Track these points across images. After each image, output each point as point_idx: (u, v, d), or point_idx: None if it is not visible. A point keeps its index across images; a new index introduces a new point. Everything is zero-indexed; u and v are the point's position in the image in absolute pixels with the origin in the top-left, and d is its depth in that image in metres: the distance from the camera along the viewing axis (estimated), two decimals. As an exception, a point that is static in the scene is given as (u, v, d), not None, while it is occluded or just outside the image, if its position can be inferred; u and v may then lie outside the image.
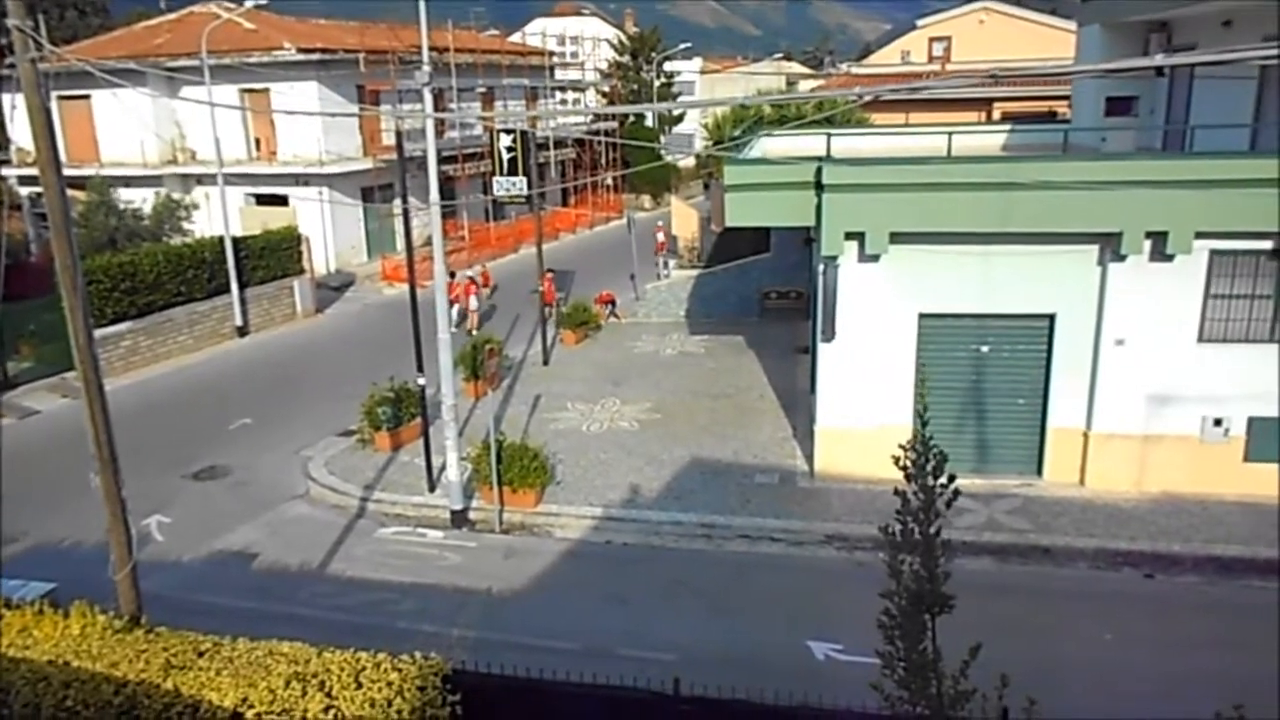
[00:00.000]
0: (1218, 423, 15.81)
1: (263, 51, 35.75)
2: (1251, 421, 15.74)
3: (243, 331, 29.46)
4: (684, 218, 36.09)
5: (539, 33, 61.29)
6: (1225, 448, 15.87)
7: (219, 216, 29.74)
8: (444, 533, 16.13)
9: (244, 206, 37.34)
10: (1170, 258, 15.10)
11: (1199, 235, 14.85)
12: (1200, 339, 15.65)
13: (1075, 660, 11.83)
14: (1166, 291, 15.43)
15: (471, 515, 16.48)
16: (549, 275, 28.13)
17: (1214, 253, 15.19)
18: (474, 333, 28.29)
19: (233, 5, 37.37)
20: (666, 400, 21.70)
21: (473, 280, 30.78)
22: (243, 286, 29.30)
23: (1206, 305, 15.51)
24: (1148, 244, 15.05)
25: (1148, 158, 16.88)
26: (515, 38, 61.53)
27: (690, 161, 62.00)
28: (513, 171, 25.10)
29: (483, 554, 15.37)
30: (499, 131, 25.42)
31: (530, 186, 26.68)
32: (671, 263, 33.11)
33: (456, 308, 28.86)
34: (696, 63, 77.08)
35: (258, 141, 38.70)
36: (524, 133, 25.90)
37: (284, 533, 16.30)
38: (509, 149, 25.22)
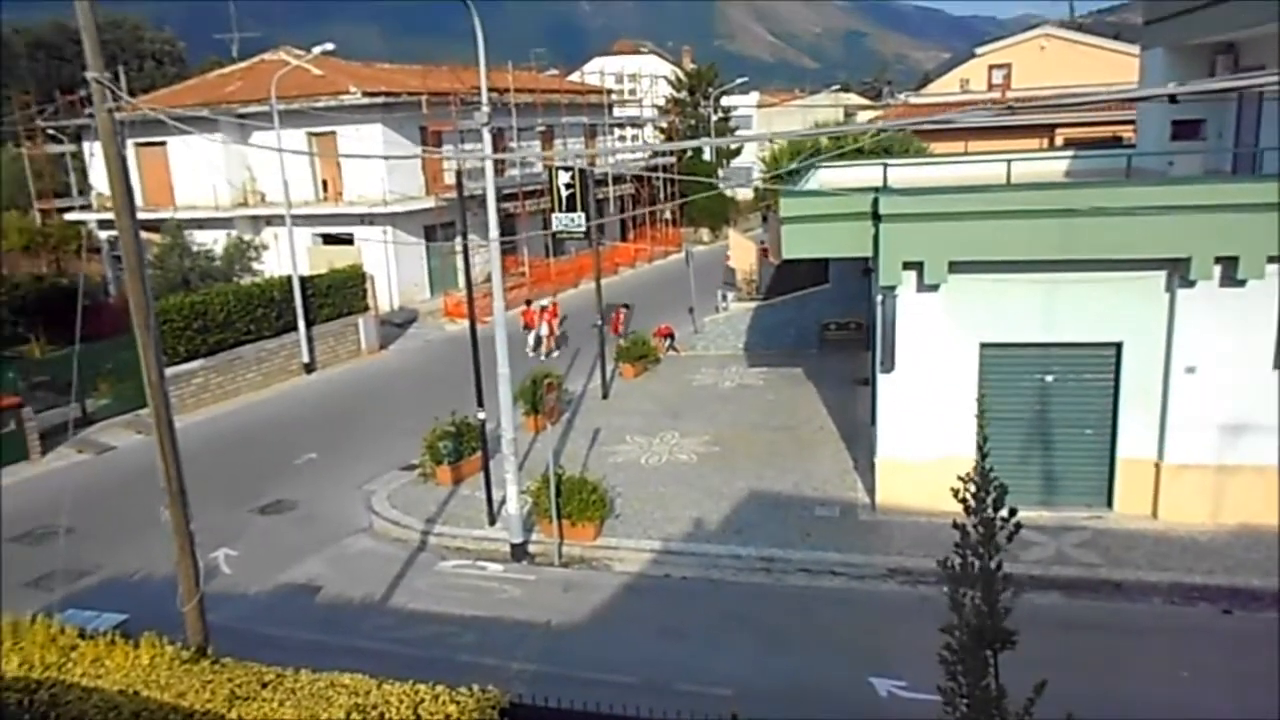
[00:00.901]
0: (1297, 452, 15.27)
1: (329, 96, 36.81)
2: (1333, 451, 15.18)
3: (309, 368, 30.10)
4: (742, 250, 36.17)
5: (598, 71, 62.12)
6: (1305, 478, 15.31)
7: (287, 256, 30.54)
8: (504, 566, 16.21)
9: (311, 246, 38.30)
10: (1242, 283, 14.70)
11: (1271, 259, 14.44)
12: (1276, 365, 15.17)
13: (1148, 699, 11.44)
14: (1238, 317, 15.00)
15: (531, 549, 16.55)
16: (622, 310, 28.97)
17: (1287, 277, 14.75)
18: (548, 355, 29.98)
19: (301, 52, 38.58)
20: (725, 433, 21.63)
21: (545, 308, 31.85)
22: (309, 324, 29.98)
23: (1281, 331, 15.05)
24: (1218, 269, 14.68)
25: (1216, 181, 16.49)
26: (574, 77, 62.43)
27: (749, 194, 62.14)
28: (571, 208, 25.36)
29: (542, 587, 15.41)
30: (558, 169, 25.74)
31: (589, 222, 26.98)
32: (730, 295, 33.13)
33: (533, 333, 31.00)
34: (754, 97, 77.44)
35: (325, 183, 39.75)
36: (582, 170, 26.21)
37: (347, 566, 16.53)
38: (567, 186, 25.51)
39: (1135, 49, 28.78)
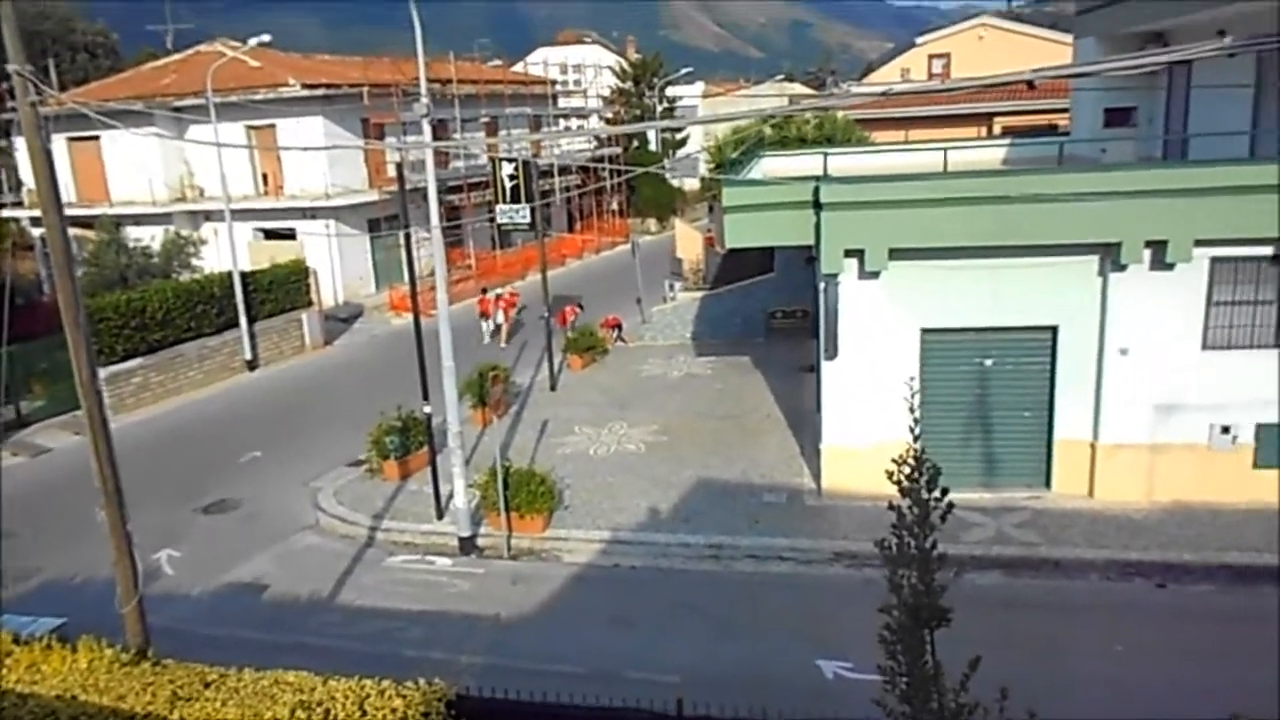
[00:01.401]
0: (1225, 430, 15.74)
1: (268, 89, 36.17)
2: (1259, 428, 15.67)
3: (252, 365, 29.65)
4: (688, 240, 36.30)
5: (541, 62, 61.91)
6: (1234, 455, 15.79)
7: (227, 252, 30.01)
8: (452, 560, 16.16)
9: (252, 241, 37.68)
10: (1171, 266, 15.10)
11: (1199, 243, 14.84)
12: (1204, 346, 15.61)
13: (1085, 673, 11.75)
14: (1168, 300, 15.42)
15: (480, 542, 16.51)
16: (575, 308, 29.45)
17: (1215, 260, 15.18)
18: (507, 343, 30.33)
19: (238, 44, 37.89)
20: (673, 422, 21.72)
21: (500, 295, 32.29)
22: (252, 321, 29.52)
23: (1209, 312, 15.48)
24: (1148, 253, 15.06)
25: (1145, 167, 16.91)
26: (519, 67, 62.12)
27: (695, 184, 62.32)
28: (516, 199, 25.24)
29: (491, 580, 15.39)
30: (501, 160, 25.60)
31: (534, 214, 26.87)
32: (677, 285, 33.24)
33: (489, 321, 31.51)
34: (699, 87, 77.53)
35: (265, 177, 39.09)
36: (527, 161, 26.10)
37: (294, 563, 16.36)
38: (511, 177, 25.37)
39: (1069, 38, 29.33)
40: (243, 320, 29.11)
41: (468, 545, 16.33)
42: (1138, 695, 11.18)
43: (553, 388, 25.17)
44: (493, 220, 28.60)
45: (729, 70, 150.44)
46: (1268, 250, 15.02)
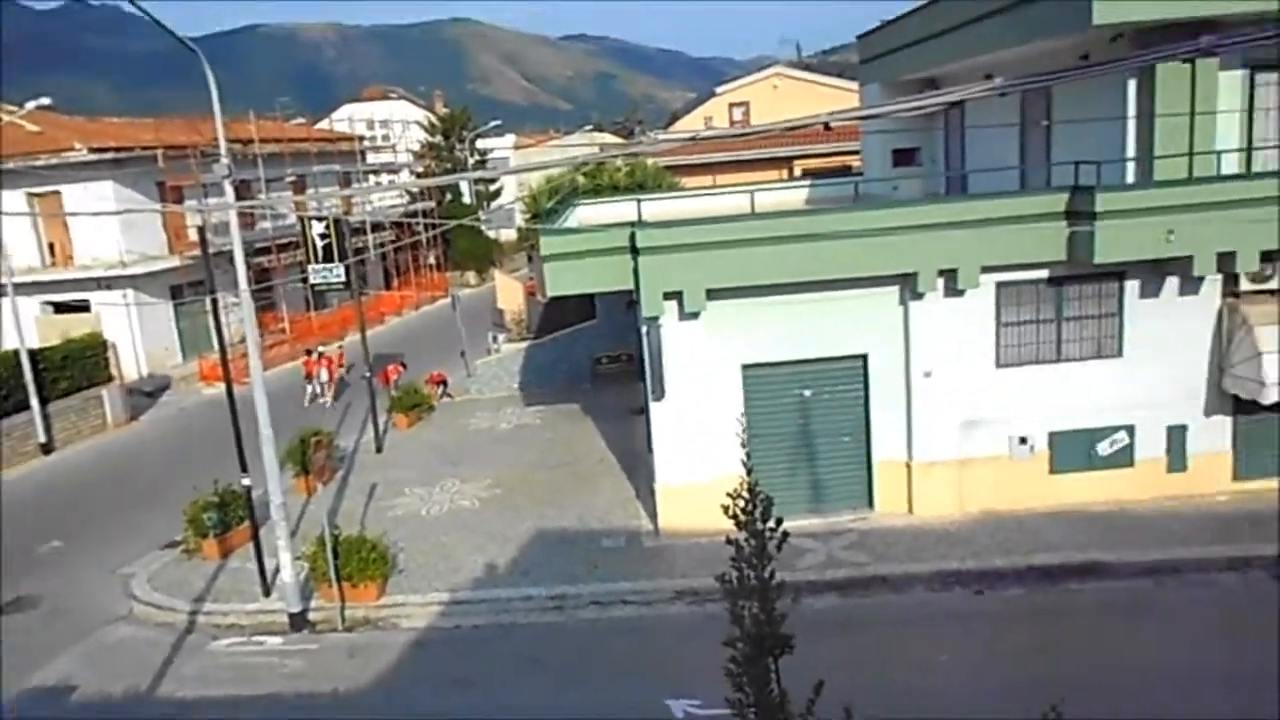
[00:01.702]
0: (1023, 440, 16.94)
1: (51, 154, 33.93)
2: (1052, 436, 16.96)
3: (47, 448, 27.45)
4: (509, 291, 36.27)
5: (347, 118, 60.71)
6: (1032, 463, 17.01)
7: (11, 329, 27.78)
8: (283, 638, 15.36)
9: (41, 316, 35.04)
10: (962, 292, 16.23)
11: (985, 270, 16.04)
12: (999, 364, 16.82)
13: (917, 684, 12.28)
14: (963, 324, 16.55)
15: (311, 616, 15.78)
16: (398, 367, 29.09)
17: (1000, 284, 16.42)
18: (333, 403, 29.60)
19: (14, 108, 35.41)
20: (506, 475, 21.51)
21: (323, 354, 31.50)
22: (44, 401, 27.37)
23: (1000, 333, 16.71)
24: (941, 281, 16.14)
25: (933, 202, 18.14)
26: (324, 124, 60.68)
27: (513, 235, 62.41)
28: (329, 258, 24.63)
29: (326, 655, 14.71)
30: (311, 219, 24.94)
31: (349, 272, 26.23)
32: (501, 336, 33.09)
33: (314, 382, 30.57)
34: (510, 139, 78.00)
35: (51, 246, 36.55)
36: (338, 219, 25.52)
37: (105, 660, 15.13)
38: (323, 236, 24.77)
39: (856, 85, 31.29)
40: (33, 400, 26.94)
41: (298, 621, 15.58)
42: (964, 699, 11.76)
43: (379, 449, 24.47)
44: (305, 281, 27.75)
45: (539, 122, 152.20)
46: (1044, 274, 16.37)
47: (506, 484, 20.89)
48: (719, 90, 50.87)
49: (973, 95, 7.46)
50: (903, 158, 26.07)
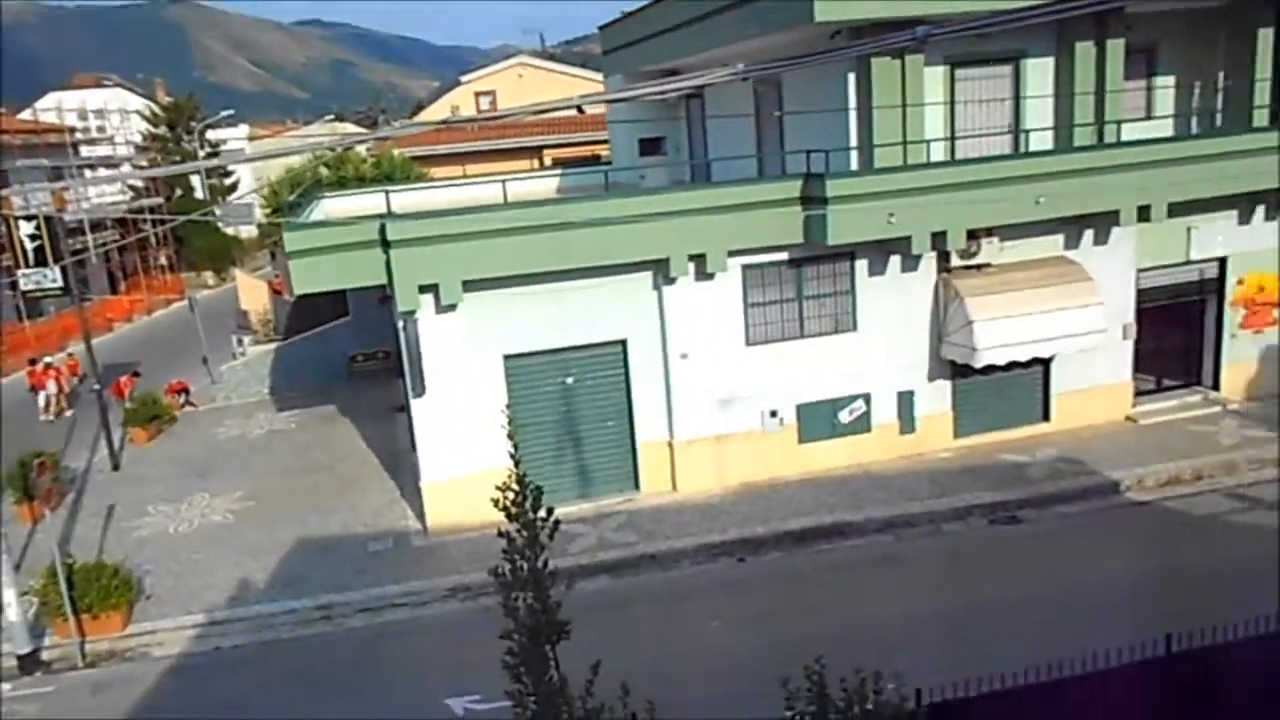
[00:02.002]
0: (774, 414, 17.93)
1: None
2: (799, 408, 18.05)
3: None
4: (252, 290, 34.40)
5: (55, 108, 55.20)
6: (783, 434, 18.05)
7: None
8: (12, 684, 13.87)
9: None
10: (712, 276, 16.93)
11: (731, 253, 16.80)
12: (748, 343, 17.68)
13: (691, 652, 12.77)
14: (714, 305, 17.27)
15: (45, 655, 14.36)
16: (131, 375, 26.86)
17: (745, 267, 17.26)
18: (56, 418, 27.36)
19: None
20: (261, 484, 20.41)
21: (50, 365, 28.73)
22: None
23: (748, 313, 17.56)
24: (691, 266, 16.76)
25: (680, 190, 18.82)
26: (26, 114, 54.89)
27: (253, 231, 59.04)
28: (41, 261, 22.36)
29: (65, 697, 13.43)
30: (17, 218, 22.54)
31: (66, 275, 23.92)
32: (246, 339, 31.27)
33: (42, 394, 28.01)
34: (243, 129, 73.65)
35: None
36: (49, 217, 23.20)
37: None
38: (33, 236, 22.48)
39: (600, 75, 31.85)
40: None
41: (29, 663, 14.13)
42: (736, 662, 12.36)
43: (115, 467, 22.53)
44: (15, 287, 25.08)
45: (274, 111, 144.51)
46: (785, 256, 17.36)
47: (262, 494, 19.83)
48: (464, 79, 50.21)
49: (715, 80, 7.89)
50: (649, 147, 26.83)
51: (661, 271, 16.80)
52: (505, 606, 7.23)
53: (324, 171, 34.49)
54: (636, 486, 17.89)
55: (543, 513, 7.23)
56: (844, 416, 18.26)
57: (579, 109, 9.07)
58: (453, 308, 16.12)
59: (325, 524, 17.94)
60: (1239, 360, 20.14)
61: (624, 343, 17.30)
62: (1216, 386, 20.28)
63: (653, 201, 16.51)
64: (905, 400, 18.46)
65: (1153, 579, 13.72)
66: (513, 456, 7.40)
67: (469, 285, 15.94)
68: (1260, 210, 19.29)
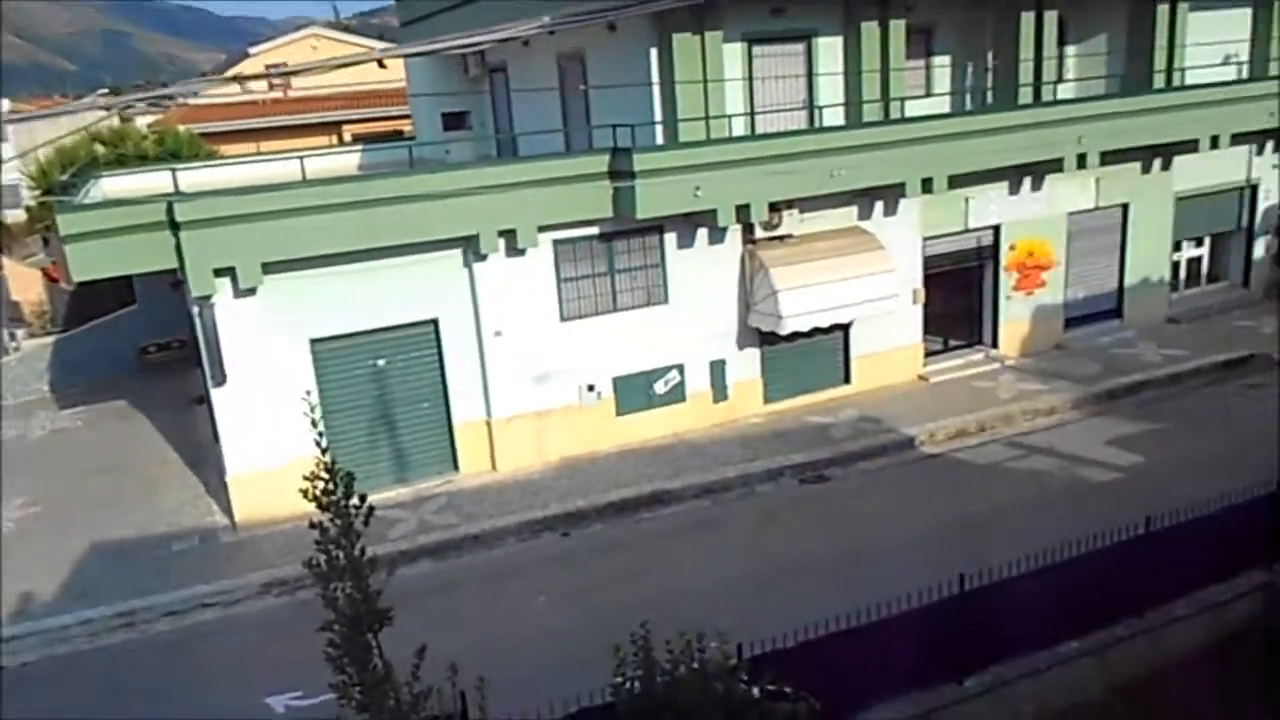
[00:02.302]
0: (591, 388, 18.11)
1: None
2: (616, 381, 18.30)
3: None
4: (25, 279, 31.74)
5: None
6: (600, 408, 18.26)
7: None
8: None
9: None
10: (523, 251, 16.87)
11: (542, 229, 16.78)
12: (563, 318, 17.75)
13: (518, 630, 12.82)
14: (527, 281, 17.23)
15: None
16: None
17: (557, 242, 17.29)
18: None
19: None
20: (46, 489, 18.88)
21: None
22: None
23: (561, 288, 17.61)
24: (502, 242, 16.64)
25: (487, 165, 18.57)
26: None
27: (21, 215, 54.16)
28: None
29: None
30: None
31: None
32: (19, 333, 28.75)
33: None
34: (4, 104, 67.31)
35: None
36: None
37: None
38: None
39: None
40: None
41: None
42: (560, 637, 12.48)
43: None
44: None
45: (40, 85, 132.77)
46: (596, 230, 17.49)
47: (49, 499, 18.37)
48: (253, 50, 47.62)
49: (518, 34, 7.96)
50: (453, 122, 26.34)
51: (472, 248, 16.59)
52: (323, 598, 7.04)
53: (100, 150, 32.03)
54: (456, 467, 17.69)
55: (356, 500, 7.07)
56: (659, 387, 18.66)
57: (379, 63, 8.93)
58: (253, 291, 15.39)
59: (123, 526, 16.82)
60: (1014, 320, 21.86)
61: (436, 322, 17.00)
62: (995, 345, 21.93)
63: (460, 177, 16.22)
64: (717, 369, 19.03)
65: (946, 525, 14.77)
66: (319, 444, 7.18)
67: (269, 267, 15.24)
68: (1028, 181, 20.93)
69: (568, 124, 21.36)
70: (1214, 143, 21.49)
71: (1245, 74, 23.62)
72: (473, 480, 17.47)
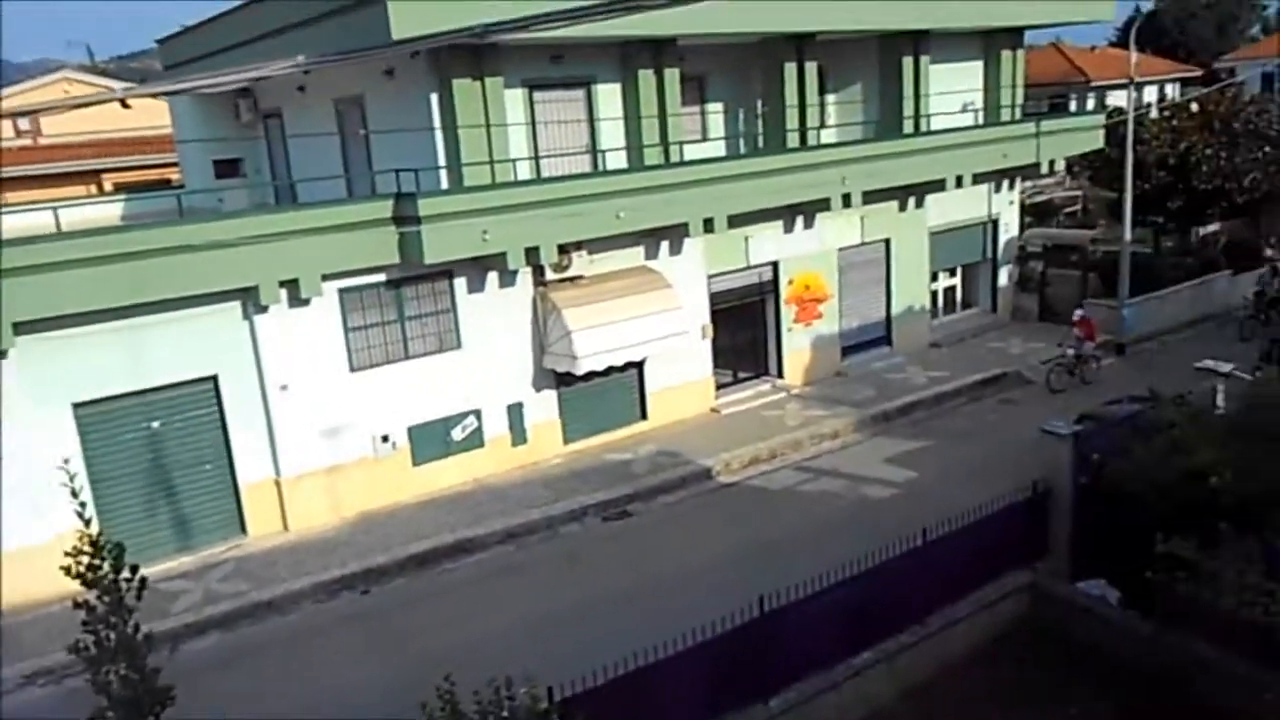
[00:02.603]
0: (385, 439, 17.63)
1: None
2: (411, 430, 17.90)
3: None
4: None
5: None
6: (396, 458, 17.79)
7: None
8: None
9: None
10: (307, 301, 16.29)
11: (326, 277, 16.26)
12: (352, 369, 17.21)
13: (319, 694, 12.19)
14: (312, 332, 16.63)
15: None
16: None
17: (342, 291, 16.80)
18: None
19: None
20: None
21: None
22: None
23: (349, 338, 17.10)
24: (284, 292, 16.00)
25: (264, 213, 17.82)
26: None
27: None
28: None
29: None
30: None
31: None
32: None
33: None
34: None
35: None
36: None
37: None
38: None
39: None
40: None
41: None
42: (371, 696, 12.01)
43: None
44: None
45: None
46: (383, 277, 17.13)
47: None
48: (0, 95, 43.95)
49: (279, 73, 7.77)
50: (226, 169, 25.20)
51: (251, 300, 15.86)
52: (92, 683, 6.49)
53: None
54: (244, 531, 16.73)
55: (127, 572, 6.58)
56: (456, 434, 18.39)
57: (123, 103, 8.66)
58: (3, 354, 14.09)
59: None
60: (796, 350, 23.03)
61: (215, 379, 16.10)
62: (781, 375, 23.01)
63: (235, 226, 15.47)
64: (515, 412, 18.96)
65: (745, 551, 15.27)
66: (81, 515, 6.65)
67: (21, 328, 14.01)
68: (800, 220, 22.21)
69: (349, 170, 20.87)
70: (958, 182, 23.61)
71: (980, 120, 26.04)
72: (263, 543, 16.57)
